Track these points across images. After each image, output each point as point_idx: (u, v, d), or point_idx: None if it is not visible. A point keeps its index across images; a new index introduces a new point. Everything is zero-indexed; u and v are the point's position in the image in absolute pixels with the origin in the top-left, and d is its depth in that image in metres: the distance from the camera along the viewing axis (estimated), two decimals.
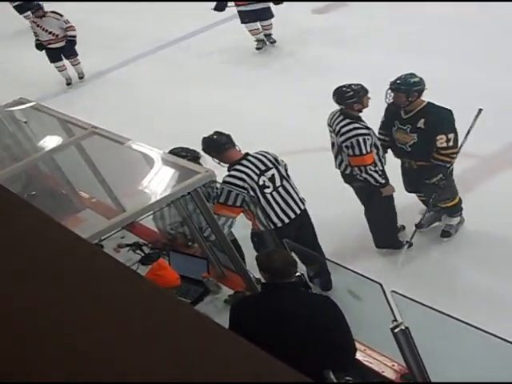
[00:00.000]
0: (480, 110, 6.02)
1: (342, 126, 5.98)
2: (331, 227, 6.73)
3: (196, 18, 13.22)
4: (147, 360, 1.24)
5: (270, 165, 5.55)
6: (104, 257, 1.70)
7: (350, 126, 5.95)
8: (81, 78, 12.66)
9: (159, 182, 4.45)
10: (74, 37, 12.12)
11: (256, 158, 5.56)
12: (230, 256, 4.85)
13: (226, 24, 11.70)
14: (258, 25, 11.63)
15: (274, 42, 11.88)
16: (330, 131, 6.20)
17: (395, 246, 6.49)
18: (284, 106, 9.48)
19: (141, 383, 1.20)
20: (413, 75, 6.01)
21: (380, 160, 6.09)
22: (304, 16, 12.33)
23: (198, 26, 13.08)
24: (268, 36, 11.87)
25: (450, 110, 5.98)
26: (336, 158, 6.28)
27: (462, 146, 6.07)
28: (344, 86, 6.04)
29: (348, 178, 6.31)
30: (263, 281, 4.16)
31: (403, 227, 6.70)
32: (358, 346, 4.15)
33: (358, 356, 4.28)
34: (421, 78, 6.00)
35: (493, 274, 5.98)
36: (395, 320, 3.73)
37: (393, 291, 3.52)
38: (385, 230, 6.45)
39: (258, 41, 11.84)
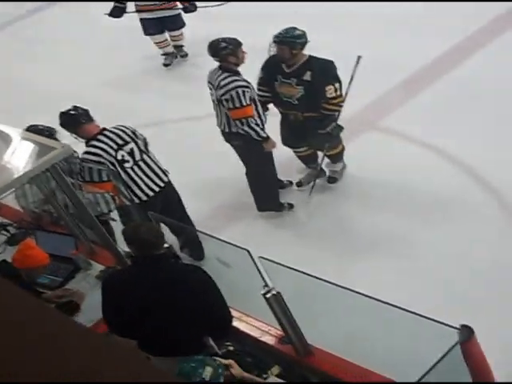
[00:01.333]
0: (359, 57, 6.12)
1: (222, 80, 5.94)
2: (204, 195, 6.71)
3: None
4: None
5: (128, 139, 5.46)
6: None
7: (229, 79, 5.91)
8: None
9: (16, 159, 4.28)
10: None
11: (113, 132, 5.45)
12: (96, 232, 4.75)
13: None
14: (166, 36, 9.61)
15: (186, 55, 9.84)
16: (210, 88, 6.14)
17: (277, 209, 6.50)
18: (137, 80, 9.36)
19: None
20: (295, 29, 6.06)
21: (260, 117, 6.06)
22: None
23: None
24: (179, 48, 9.80)
25: (332, 61, 6.06)
26: (218, 115, 6.21)
27: (346, 93, 6.18)
28: (217, 40, 6.02)
29: (228, 136, 6.24)
30: (133, 254, 4.08)
31: (290, 183, 6.76)
32: (233, 313, 4.14)
33: (235, 323, 4.28)
34: (303, 31, 6.05)
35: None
36: (266, 286, 3.74)
37: (260, 257, 3.50)
38: (266, 191, 6.43)
39: (166, 54, 9.77)
